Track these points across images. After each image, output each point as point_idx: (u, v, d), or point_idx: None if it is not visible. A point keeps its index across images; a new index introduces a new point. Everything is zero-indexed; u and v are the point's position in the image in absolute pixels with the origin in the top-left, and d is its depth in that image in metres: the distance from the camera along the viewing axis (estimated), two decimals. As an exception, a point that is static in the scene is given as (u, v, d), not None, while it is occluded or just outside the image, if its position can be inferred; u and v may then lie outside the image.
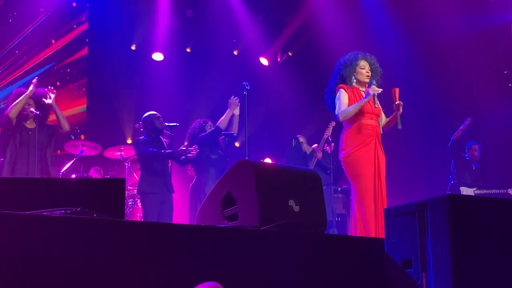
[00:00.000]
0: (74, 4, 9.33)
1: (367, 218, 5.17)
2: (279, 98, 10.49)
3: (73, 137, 8.92)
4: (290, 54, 11.01)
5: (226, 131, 7.32)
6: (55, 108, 6.35)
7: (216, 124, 7.21)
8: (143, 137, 7.07)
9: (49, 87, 6.50)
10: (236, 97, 7.16)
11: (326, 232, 3.79)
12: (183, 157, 6.98)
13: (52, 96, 6.35)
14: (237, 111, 7.13)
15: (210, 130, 7.23)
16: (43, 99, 6.35)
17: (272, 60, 10.85)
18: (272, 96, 10.47)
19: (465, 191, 8.25)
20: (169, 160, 7.13)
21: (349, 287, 3.06)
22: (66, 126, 6.45)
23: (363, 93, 5.44)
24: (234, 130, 7.22)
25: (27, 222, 2.41)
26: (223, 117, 7.22)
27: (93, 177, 8.31)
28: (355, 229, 5.24)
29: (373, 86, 5.39)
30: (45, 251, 2.38)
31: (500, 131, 9.10)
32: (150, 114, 7.11)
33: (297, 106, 10.34)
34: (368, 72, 5.45)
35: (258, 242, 2.94)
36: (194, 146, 7.07)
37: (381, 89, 5.39)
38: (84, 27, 9.50)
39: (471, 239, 2.80)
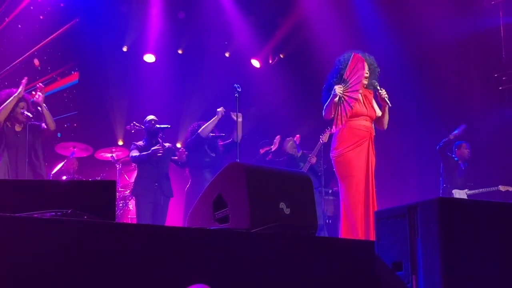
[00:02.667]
0: (62, 5, 9.27)
1: (355, 220, 5.18)
2: (270, 100, 10.50)
3: (59, 135, 8.88)
4: (281, 56, 11.03)
5: (228, 137, 7.38)
6: (42, 106, 6.32)
7: (198, 132, 7.26)
8: (141, 141, 7.19)
9: (39, 84, 6.47)
10: (223, 109, 7.21)
11: (317, 235, 3.79)
12: (158, 155, 6.99)
13: (42, 94, 6.32)
14: (240, 118, 6.99)
15: (192, 137, 7.31)
16: (33, 93, 6.32)
17: (263, 62, 10.87)
18: (264, 98, 10.47)
19: (457, 193, 8.29)
20: (170, 164, 7.21)
21: (339, 289, 3.07)
22: (52, 125, 6.42)
23: (359, 94, 5.45)
24: (238, 136, 7.07)
25: (17, 224, 2.40)
26: (206, 124, 7.26)
27: (69, 163, 8.13)
28: (343, 230, 5.25)
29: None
30: (35, 254, 2.37)
31: (491, 134, 9.15)
32: (146, 118, 7.24)
33: (288, 108, 10.36)
34: (366, 73, 5.47)
35: (249, 244, 2.93)
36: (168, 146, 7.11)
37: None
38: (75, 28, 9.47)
39: (461, 241, 2.81)
